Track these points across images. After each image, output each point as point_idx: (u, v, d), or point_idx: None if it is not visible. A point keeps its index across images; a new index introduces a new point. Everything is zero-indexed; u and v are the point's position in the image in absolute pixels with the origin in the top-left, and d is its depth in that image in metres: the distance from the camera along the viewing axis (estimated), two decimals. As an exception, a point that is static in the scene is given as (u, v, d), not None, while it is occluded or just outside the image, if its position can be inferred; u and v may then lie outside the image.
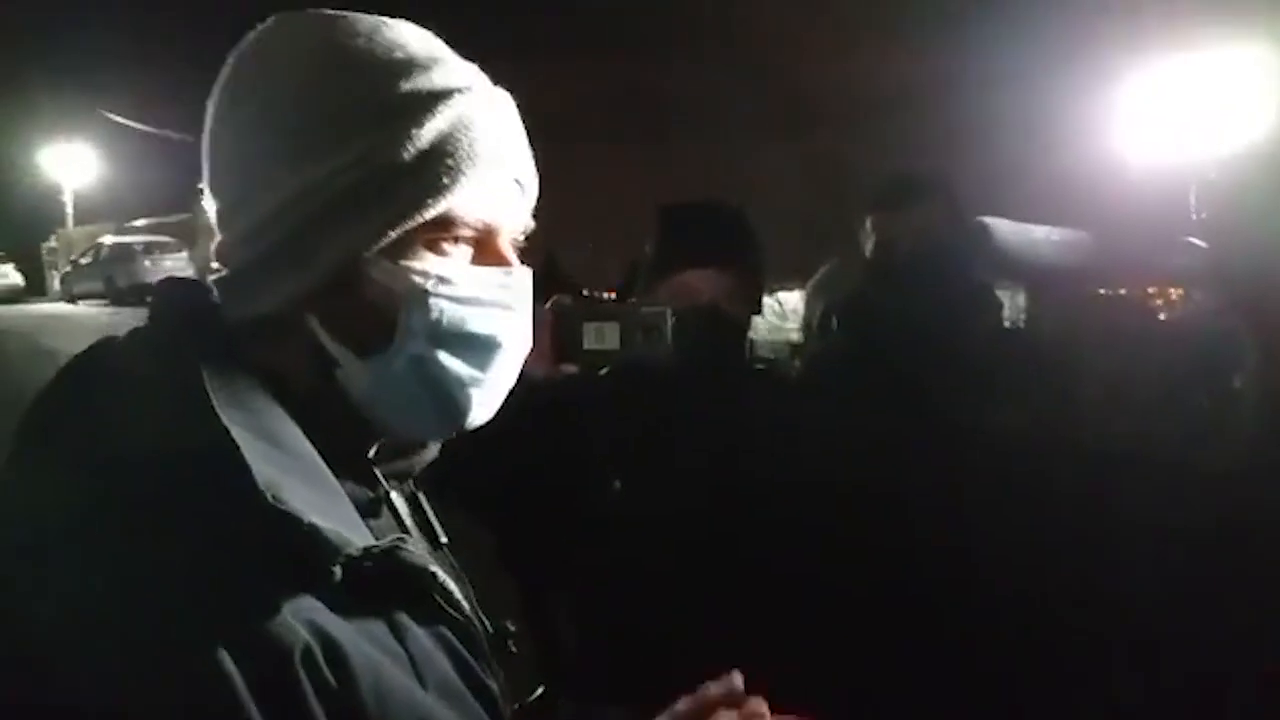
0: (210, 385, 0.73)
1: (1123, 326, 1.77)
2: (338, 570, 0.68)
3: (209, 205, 0.85)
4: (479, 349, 0.83)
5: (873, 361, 1.93)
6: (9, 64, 31.14)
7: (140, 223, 28.60)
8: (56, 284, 27.54)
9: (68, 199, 33.10)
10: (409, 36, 0.84)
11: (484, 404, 0.86)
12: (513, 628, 0.94)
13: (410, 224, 0.79)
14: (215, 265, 0.85)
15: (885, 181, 2.09)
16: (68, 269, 26.27)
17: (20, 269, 27.79)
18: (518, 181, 0.86)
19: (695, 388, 1.76)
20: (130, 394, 0.74)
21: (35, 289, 28.05)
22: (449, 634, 0.79)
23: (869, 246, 2.03)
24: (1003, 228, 1.83)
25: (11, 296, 25.94)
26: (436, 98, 0.80)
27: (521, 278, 0.86)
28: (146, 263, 23.58)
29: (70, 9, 34.52)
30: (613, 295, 5.51)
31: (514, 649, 0.93)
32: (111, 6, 33.54)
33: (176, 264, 23.62)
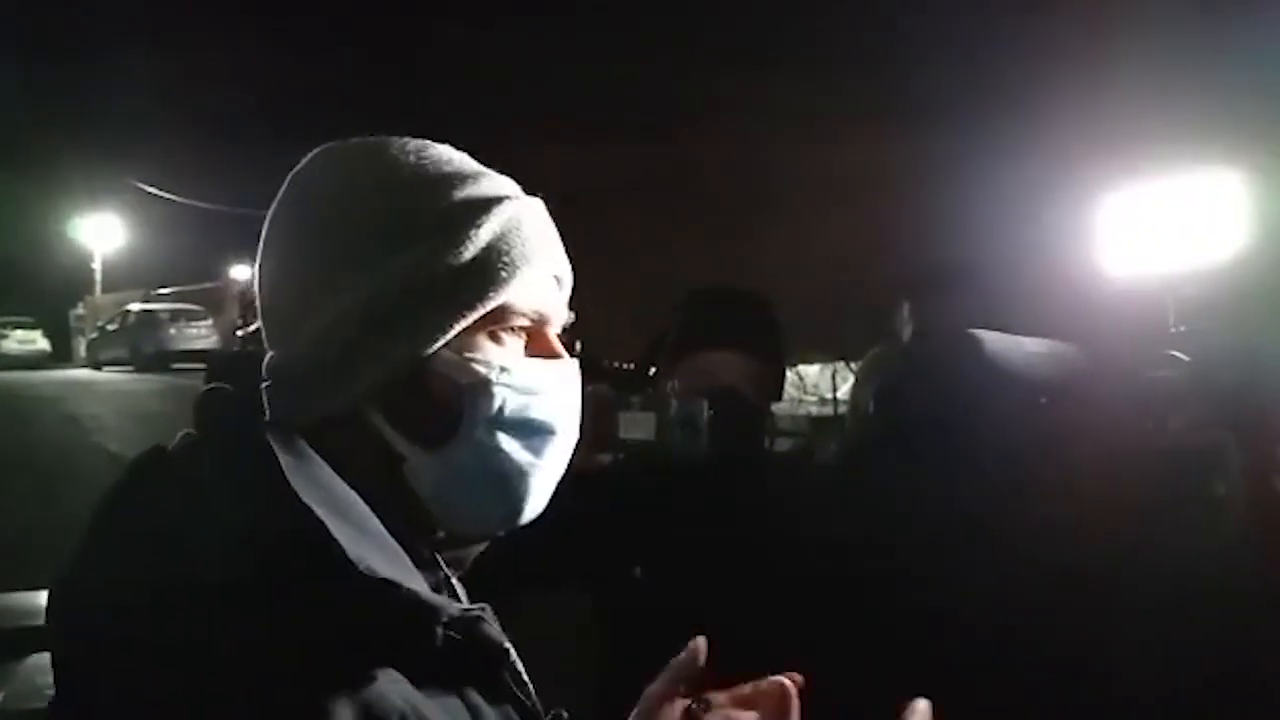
0: (286, 468, 0.76)
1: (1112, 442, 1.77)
2: (439, 631, 0.72)
3: (261, 325, 0.90)
4: (538, 436, 0.88)
5: (903, 451, 1.88)
6: (41, 134, 31.76)
7: (166, 290, 28.88)
8: (83, 350, 27.78)
9: (97, 266, 33.48)
10: (452, 154, 0.93)
11: (540, 492, 0.90)
12: (566, 715, 0.93)
13: (475, 315, 0.85)
14: (264, 379, 0.88)
15: (921, 267, 2.10)
16: (94, 335, 26.48)
17: (47, 335, 28.03)
18: (556, 278, 0.94)
19: (709, 475, 1.75)
20: (206, 483, 0.77)
21: (61, 355, 28.22)
22: (514, 715, 0.81)
23: (906, 333, 2.02)
24: (994, 340, 1.79)
25: (38, 362, 26.10)
26: (489, 203, 0.88)
27: (571, 368, 0.92)
28: (172, 330, 23.65)
29: (100, 78, 35.32)
30: (632, 365, 5.56)
31: None
32: (141, 77, 34.32)
33: (201, 331, 23.71)
